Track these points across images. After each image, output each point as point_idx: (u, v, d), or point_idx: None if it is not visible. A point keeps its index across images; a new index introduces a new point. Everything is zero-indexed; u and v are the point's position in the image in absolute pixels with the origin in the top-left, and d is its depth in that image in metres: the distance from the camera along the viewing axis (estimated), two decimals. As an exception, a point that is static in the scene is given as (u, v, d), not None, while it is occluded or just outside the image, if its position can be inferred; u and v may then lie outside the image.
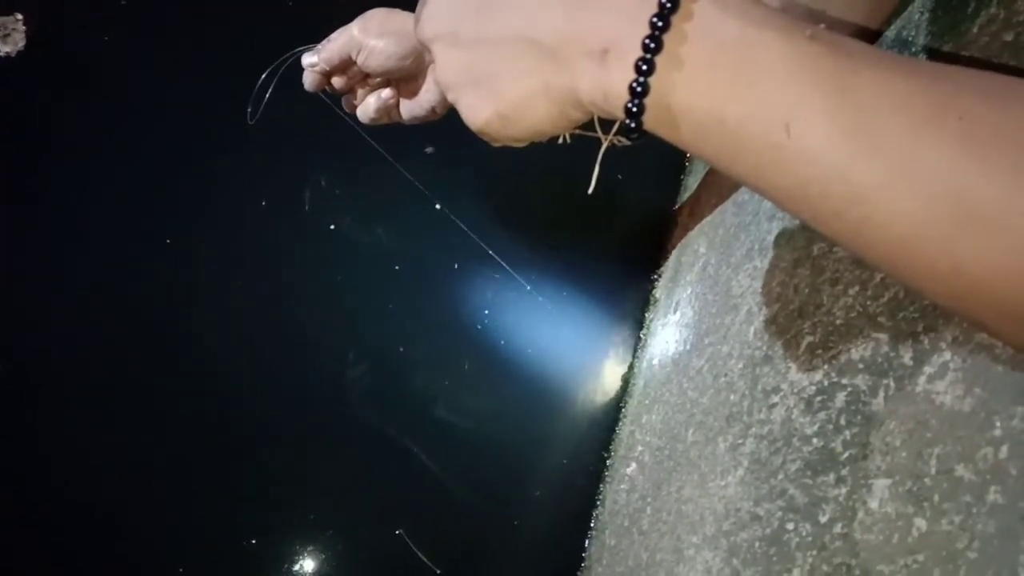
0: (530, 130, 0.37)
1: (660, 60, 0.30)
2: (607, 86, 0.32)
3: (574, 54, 0.32)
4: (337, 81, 0.61)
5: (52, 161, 0.94)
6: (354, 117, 0.64)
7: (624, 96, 0.31)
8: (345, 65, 0.59)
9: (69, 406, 0.91)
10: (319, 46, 0.59)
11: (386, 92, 0.61)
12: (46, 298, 0.92)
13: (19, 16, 0.93)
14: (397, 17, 0.56)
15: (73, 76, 0.96)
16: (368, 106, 0.61)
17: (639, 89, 0.30)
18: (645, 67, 0.30)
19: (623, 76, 0.31)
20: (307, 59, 0.60)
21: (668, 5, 0.29)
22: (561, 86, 0.34)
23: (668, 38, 0.29)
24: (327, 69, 0.59)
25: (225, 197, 0.96)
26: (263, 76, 0.66)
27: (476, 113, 0.38)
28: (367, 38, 0.56)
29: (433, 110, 0.61)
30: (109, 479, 0.90)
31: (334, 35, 0.58)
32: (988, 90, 0.26)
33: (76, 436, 0.90)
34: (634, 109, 0.31)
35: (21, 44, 0.93)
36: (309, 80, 0.61)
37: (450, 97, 0.39)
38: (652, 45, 0.29)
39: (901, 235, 0.26)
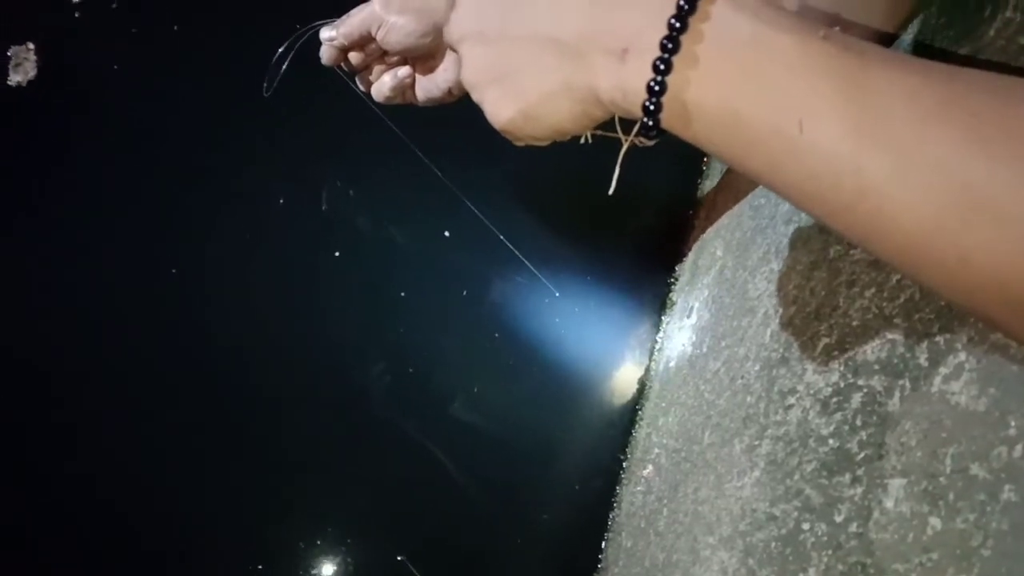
0: (552, 128, 0.38)
1: (677, 59, 0.30)
2: (626, 84, 0.33)
3: (595, 53, 0.33)
4: (354, 57, 0.61)
5: (66, 190, 0.95)
6: (370, 96, 0.64)
7: (642, 94, 0.32)
8: (364, 41, 0.59)
9: (76, 410, 0.92)
10: (339, 21, 0.59)
11: (403, 70, 0.61)
12: (63, 308, 0.93)
13: (31, 45, 0.93)
14: None
15: (84, 104, 0.97)
16: (384, 84, 0.61)
17: (656, 87, 0.31)
18: (663, 66, 0.31)
19: (641, 75, 0.32)
20: (325, 33, 0.59)
21: (686, 7, 0.30)
22: (582, 84, 0.35)
23: (685, 38, 0.30)
24: (345, 44, 0.59)
25: (242, 197, 0.97)
26: (280, 49, 0.66)
27: (500, 111, 0.39)
28: (388, 14, 0.56)
29: (449, 91, 0.60)
30: (108, 492, 0.91)
31: (354, 10, 0.58)
32: (998, 89, 0.26)
33: (79, 444, 0.91)
34: (651, 107, 0.32)
35: (32, 73, 0.93)
36: (326, 55, 0.61)
37: (475, 96, 0.40)
38: (670, 45, 0.30)
39: (910, 227, 0.26)
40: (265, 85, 0.68)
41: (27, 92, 0.94)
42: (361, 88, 0.65)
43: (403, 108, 0.66)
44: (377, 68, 0.63)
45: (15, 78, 0.91)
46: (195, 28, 0.98)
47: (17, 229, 0.94)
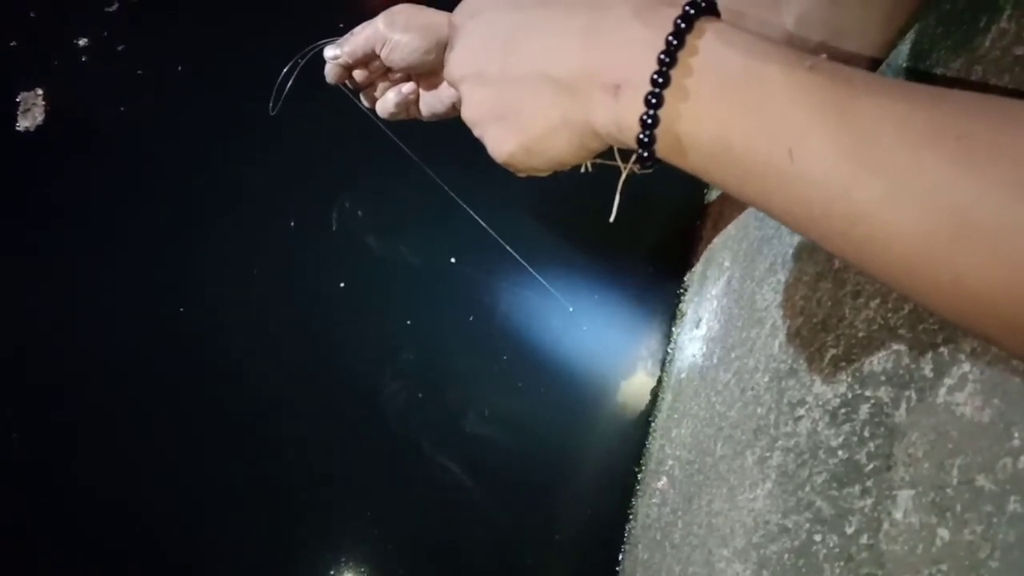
0: (552, 160, 0.39)
1: (668, 93, 0.31)
2: (620, 118, 0.34)
3: (590, 89, 0.34)
4: (359, 74, 0.62)
5: (75, 233, 0.97)
6: (375, 112, 0.65)
7: (636, 127, 0.33)
8: (368, 59, 0.60)
9: (91, 423, 0.94)
10: (343, 39, 0.60)
11: (407, 86, 0.62)
12: (71, 325, 0.95)
13: (39, 91, 0.96)
14: (423, 13, 0.57)
15: (91, 146, 0.99)
16: (388, 100, 0.62)
17: (649, 121, 0.32)
18: (654, 100, 0.31)
19: (634, 109, 0.32)
20: (330, 51, 0.60)
21: (675, 42, 0.31)
22: (579, 119, 0.36)
23: (675, 73, 0.31)
24: (350, 62, 0.60)
25: (252, 220, 0.99)
26: (285, 70, 0.67)
27: (501, 146, 0.40)
28: (392, 32, 0.56)
29: (452, 106, 0.61)
30: (109, 493, 0.92)
31: (358, 28, 0.59)
32: (986, 111, 0.26)
33: (90, 457, 0.93)
34: (645, 139, 0.33)
35: (40, 119, 0.96)
36: (331, 73, 0.61)
37: (476, 133, 0.41)
38: (660, 80, 0.31)
39: (903, 250, 0.27)
40: (271, 104, 0.69)
41: (35, 137, 0.96)
42: (366, 104, 0.66)
43: (409, 124, 0.67)
44: (381, 85, 0.63)
45: (24, 123, 0.94)
46: (200, 63, 1.00)
47: (27, 257, 0.96)
